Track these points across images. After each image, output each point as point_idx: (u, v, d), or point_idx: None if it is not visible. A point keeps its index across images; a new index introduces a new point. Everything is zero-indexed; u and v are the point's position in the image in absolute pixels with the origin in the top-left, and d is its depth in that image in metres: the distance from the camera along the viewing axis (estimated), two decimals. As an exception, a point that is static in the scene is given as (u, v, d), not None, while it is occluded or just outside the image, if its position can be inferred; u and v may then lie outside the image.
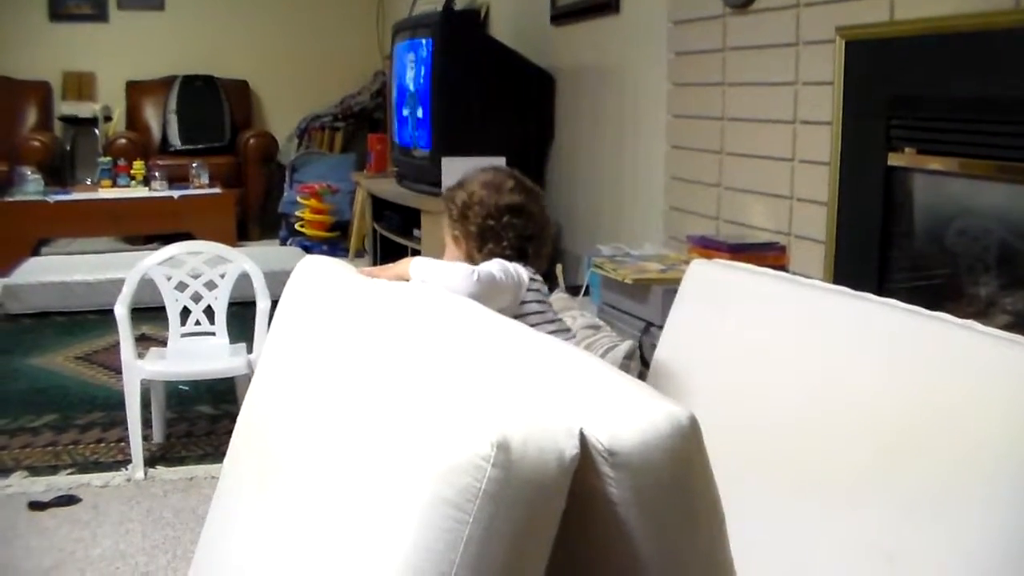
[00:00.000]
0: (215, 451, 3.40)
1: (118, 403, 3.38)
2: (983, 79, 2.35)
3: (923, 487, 1.49)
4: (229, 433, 1.87)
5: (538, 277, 2.07)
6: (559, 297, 3.39)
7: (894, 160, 2.66)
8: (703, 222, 3.64)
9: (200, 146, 7.52)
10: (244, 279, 3.39)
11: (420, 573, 1.01)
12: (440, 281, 1.84)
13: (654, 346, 2.26)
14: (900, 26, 2.61)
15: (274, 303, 2.44)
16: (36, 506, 2.97)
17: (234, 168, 7.42)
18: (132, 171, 6.68)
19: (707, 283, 2.13)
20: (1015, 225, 2.45)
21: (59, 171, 7.27)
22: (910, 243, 2.74)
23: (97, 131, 7.67)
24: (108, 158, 6.82)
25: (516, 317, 1.92)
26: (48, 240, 6.66)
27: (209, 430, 3.64)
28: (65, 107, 7.72)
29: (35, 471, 3.24)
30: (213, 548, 1.71)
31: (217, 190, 6.78)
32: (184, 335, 3.48)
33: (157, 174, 6.67)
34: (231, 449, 1.83)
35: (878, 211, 2.73)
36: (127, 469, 3.25)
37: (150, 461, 3.31)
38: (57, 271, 5.40)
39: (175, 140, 7.63)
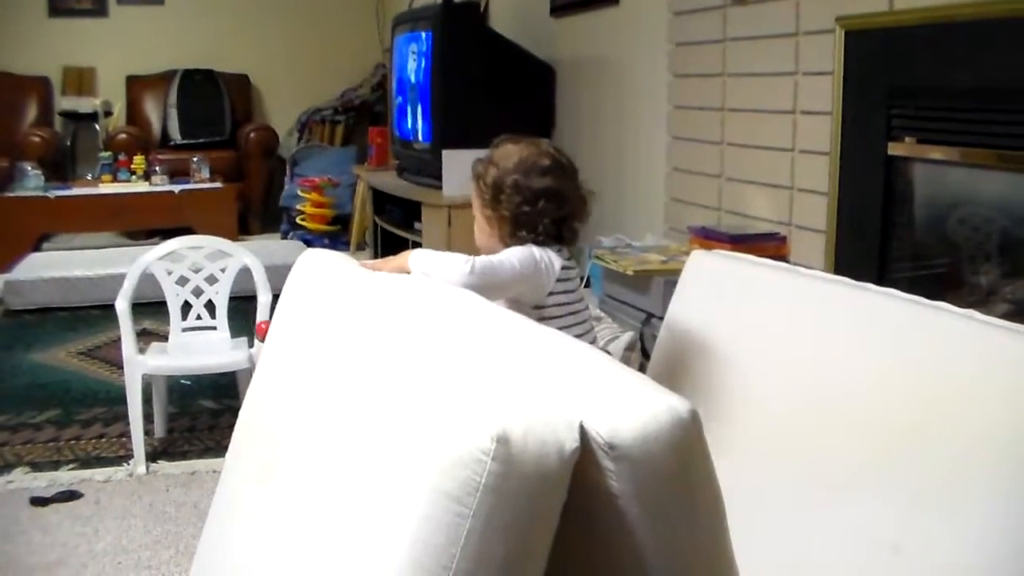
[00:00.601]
0: (217, 445, 3.40)
1: (119, 398, 3.39)
2: (983, 68, 2.35)
3: (926, 476, 1.49)
4: (231, 427, 1.87)
5: (572, 263, 2.00)
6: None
7: (894, 150, 2.66)
8: (704, 213, 3.64)
9: (200, 140, 7.51)
10: (245, 273, 3.39)
11: (421, 567, 1.01)
12: (438, 274, 1.83)
13: (655, 337, 2.26)
14: (900, 16, 2.60)
15: (275, 297, 2.45)
16: (38, 502, 2.97)
17: (235, 162, 7.41)
18: (133, 166, 6.67)
19: (708, 274, 2.13)
20: (1015, 214, 2.44)
21: (60, 166, 7.26)
22: (910, 233, 2.74)
23: (97, 126, 7.66)
24: (108, 153, 6.81)
25: (538, 308, 1.93)
26: (49, 235, 6.66)
27: (211, 424, 3.64)
28: (65, 102, 7.71)
29: (37, 467, 3.25)
30: (215, 542, 1.71)
31: (218, 184, 6.77)
32: (185, 329, 3.48)
33: (158, 169, 6.67)
34: (233, 443, 1.82)
35: (878, 201, 2.72)
36: (129, 464, 3.25)
37: (152, 456, 3.31)
38: (58, 266, 5.40)
39: (175, 134, 7.62)
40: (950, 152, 2.51)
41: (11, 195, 6.37)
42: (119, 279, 3.35)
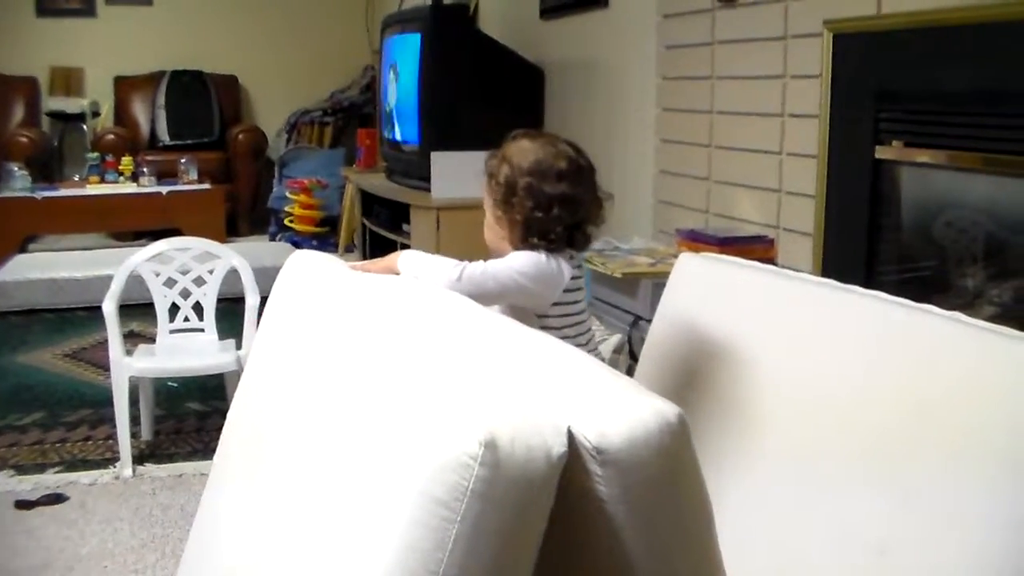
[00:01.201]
0: (204, 448, 3.39)
1: (106, 400, 3.37)
2: (970, 72, 2.35)
3: (912, 478, 1.50)
4: (218, 430, 1.86)
5: (580, 272, 1.92)
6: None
7: (881, 153, 2.66)
8: (692, 215, 3.64)
9: (189, 141, 7.50)
10: (233, 275, 3.38)
11: (408, 571, 1.01)
12: (426, 277, 1.82)
13: (643, 340, 2.26)
14: (887, 19, 2.61)
15: (263, 299, 2.44)
16: (23, 505, 2.96)
17: (223, 163, 7.40)
18: (120, 167, 6.65)
19: (696, 276, 2.13)
20: (1002, 217, 2.45)
21: (47, 167, 7.24)
22: (897, 235, 2.75)
23: (85, 127, 7.65)
24: (96, 154, 6.79)
25: (540, 316, 1.88)
26: (36, 237, 6.64)
27: (198, 427, 3.63)
28: (53, 102, 7.69)
29: (22, 470, 3.23)
30: (203, 545, 1.71)
31: (206, 185, 6.75)
32: (173, 331, 3.47)
33: (146, 170, 6.64)
34: (221, 445, 1.82)
35: (866, 204, 2.73)
36: (115, 467, 3.24)
37: (138, 458, 3.30)
38: (45, 268, 5.38)
39: (164, 135, 7.60)
40: (937, 155, 2.52)
41: (-2, 196, 6.34)
42: (106, 281, 3.34)
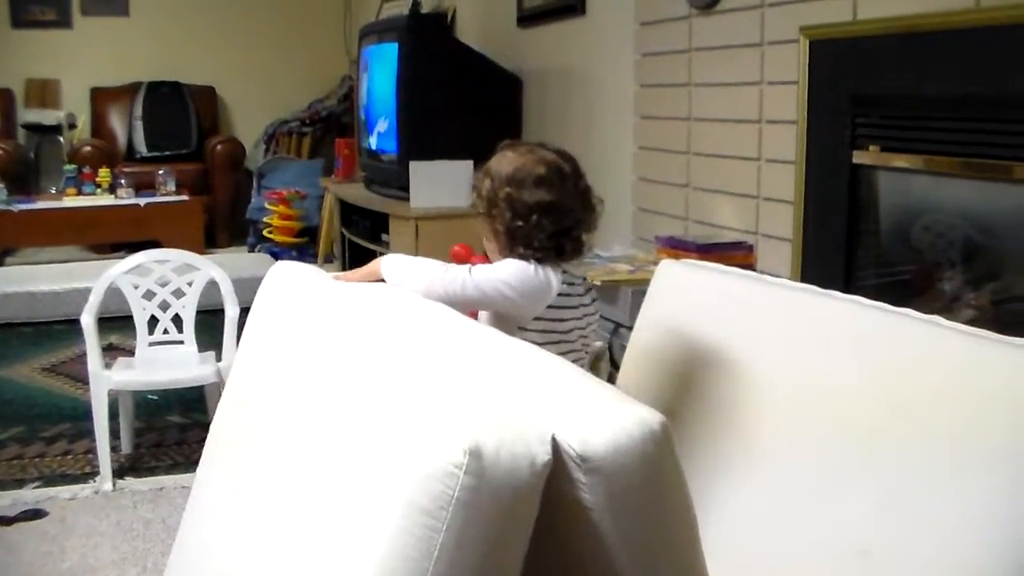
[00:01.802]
0: (185, 460, 3.37)
1: (85, 414, 3.35)
2: (946, 78, 2.37)
3: (892, 481, 1.50)
4: (199, 442, 1.85)
5: (571, 285, 1.88)
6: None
7: (859, 158, 2.68)
8: (671, 222, 3.65)
9: (167, 153, 7.47)
10: (212, 287, 3.36)
11: (394, 581, 1.01)
12: (410, 284, 1.80)
13: (623, 347, 2.26)
14: (863, 26, 2.63)
15: (243, 310, 2.43)
16: (2, 521, 2.93)
17: (201, 175, 7.37)
18: (98, 179, 6.61)
19: (677, 283, 2.14)
20: (979, 221, 2.47)
21: (23, 179, 7.18)
22: (876, 240, 2.76)
23: (62, 139, 7.60)
24: (73, 166, 6.74)
25: (521, 329, 1.83)
26: (13, 250, 6.59)
27: (179, 439, 3.61)
28: (29, 114, 7.64)
29: (1, 485, 3.20)
30: (186, 558, 1.70)
31: (184, 197, 6.72)
32: (152, 344, 3.45)
33: (123, 181, 6.61)
34: (204, 458, 1.81)
35: (844, 209, 2.75)
36: (95, 481, 3.22)
37: (119, 472, 3.28)
38: (22, 281, 5.34)
39: (141, 147, 7.57)
40: (914, 160, 2.54)
41: (-26, 209, 6.30)
42: (84, 293, 3.32)
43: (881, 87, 2.60)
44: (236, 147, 7.61)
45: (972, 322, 1.91)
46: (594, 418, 1.11)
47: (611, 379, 2.61)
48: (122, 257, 3.47)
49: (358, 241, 5.41)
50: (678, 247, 3.21)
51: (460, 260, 1.96)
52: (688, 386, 1.94)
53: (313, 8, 8.16)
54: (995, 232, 2.45)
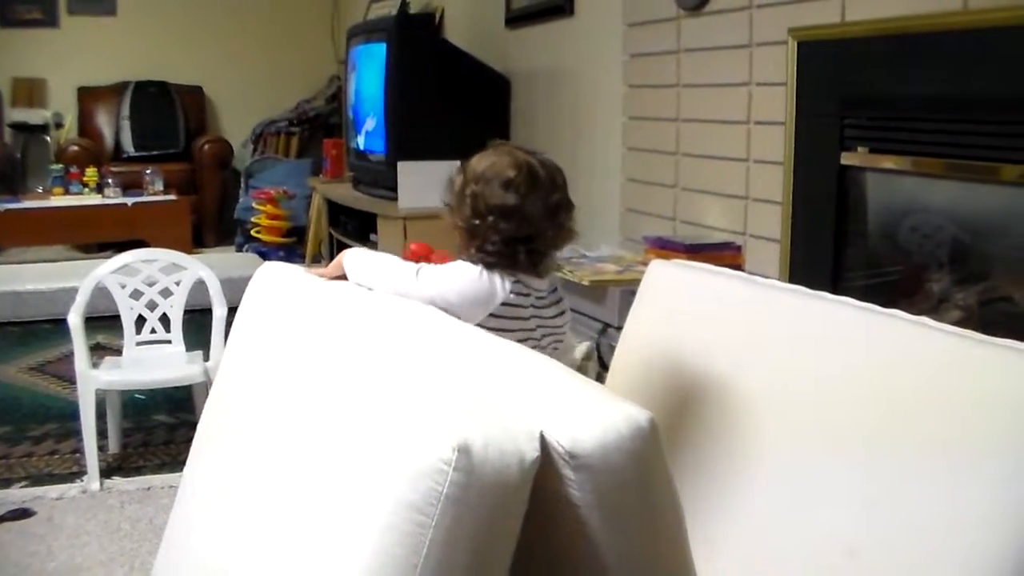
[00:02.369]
0: (173, 460, 3.36)
1: (72, 414, 3.34)
2: (933, 79, 2.38)
3: (881, 482, 1.51)
4: (187, 442, 1.85)
5: (533, 290, 1.80)
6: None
7: (847, 159, 2.69)
8: (659, 223, 3.66)
9: (154, 153, 7.45)
10: (200, 286, 3.36)
11: (383, 578, 1.01)
12: (367, 282, 1.79)
13: (612, 347, 2.26)
14: (852, 27, 2.64)
15: (230, 310, 2.43)
16: (-11, 520, 2.93)
17: (189, 175, 7.36)
18: (85, 178, 6.59)
19: (667, 283, 2.14)
20: (966, 222, 2.48)
21: (10, 179, 7.16)
22: (864, 241, 2.77)
23: (48, 138, 7.58)
24: (60, 165, 6.72)
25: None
26: (-1, 249, 6.58)
27: (166, 439, 3.60)
28: (15, 114, 7.62)
29: (-12, 484, 3.20)
30: (174, 557, 1.69)
31: (172, 197, 6.70)
32: (139, 343, 3.44)
33: (110, 181, 6.58)
34: (192, 457, 1.81)
35: (832, 210, 2.75)
36: (82, 481, 3.21)
37: (106, 472, 3.27)
38: (9, 280, 5.32)
39: (128, 147, 7.55)
40: (901, 161, 2.54)
41: (-40, 209, 6.27)
42: (71, 293, 3.31)
43: (869, 89, 2.61)
44: (224, 147, 7.60)
45: (959, 323, 1.92)
46: (583, 415, 1.11)
47: (600, 379, 2.61)
48: (109, 257, 3.46)
49: (346, 241, 5.41)
50: (666, 247, 3.21)
51: (416, 259, 1.95)
52: (678, 386, 1.94)
53: (301, 8, 8.15)
54: (982, 233, 2.46)
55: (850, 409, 1.60)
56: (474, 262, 1.77)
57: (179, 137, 7.66)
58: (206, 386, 3.25)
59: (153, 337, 3.46)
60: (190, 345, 3.48)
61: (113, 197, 6.52)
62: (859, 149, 2.65)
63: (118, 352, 3.57)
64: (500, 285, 1.75)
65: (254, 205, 6.79)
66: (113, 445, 3.47)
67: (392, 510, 1.01)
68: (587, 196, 4.39)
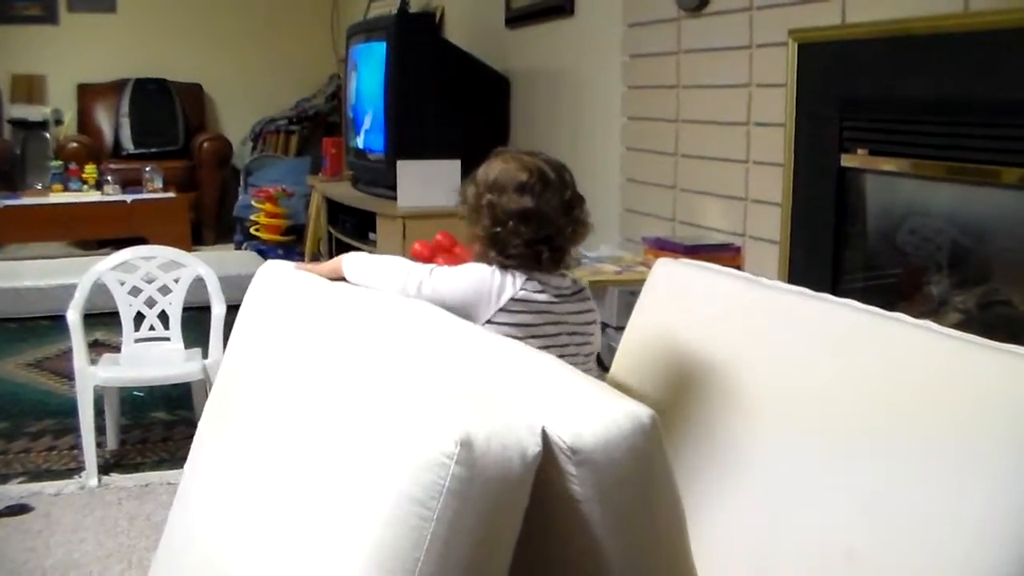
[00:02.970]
0: (171, 457, 3.36)
1: (70, 410, 3.34)
2: (933, 81, 2.39)
3: (881, 484, 1.51)
4: (184, 439, 1.85)
5: (551, 287, 1.81)
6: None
7: (847, 161, 2.69)
8: (659, 224, 3.66)
9: (153, 150, 7.45)
10: (199, 284, 3.36)
11: (386, 571, 1.01)
12: (374, 287, 1.78)
13: (612, 348, 2.26)
14: (852, 29, 2.64)
15: (229, 308, 2.43)
16: (-13, 516, 2.93)
17: (188, 172, 7.36)
18: (84, 175, 6.59)
19: (672, 282, 2.14)
20: (965, 225, 2.48)
21: (9, 176, 7.15)
22: (863, 243, 2.77)
23: (48, 135, 7.57)
24: (59, 162, 6.72)
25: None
26: (-2, 246, 6.57)
27: (164, 436, 3.60)
28: (15, 110, 7.61)
29: (-15, 480, 3.20)
30: (174, 553, 1.70)
31: (171, 194, 6.70)
32: (138, 340, 3.44)
33: (110, 178, 6.58)
34: (192, 453, 1.81)
35: (831, 211, 2.76)
36: (80, 477, 3.21)
37: (104, 468, 3.27)
38: (8, 277, 5.32)
39: (128, 144, 7.55)
40: (901, 164, 2.55)
41: (-41, 204, 6.27)
42: (70, 289, 3.31)
43: (869, 91, 2.61)
44: (223, 144, 7.60)
45: (958, 325, 1.92)
46: (584, 411, 1.12)
47: (599, 380, 2.61)
48: (108, 253, 3.45)
49: (345, 240, 5.41)
50: (665, 248, 3.21)
51: (421, 259, 1.95)
52: (680, 384, 1.95)
53: (301, 6, 8.15)
54: (982, 236, 2.46)
55: (851, 410, 1.60)
56: (489, 263, 1.80)
57: (178, 134, 7.66)
58: (204, 383, 3.26)
59: (152, 334, 3.45)
60: (188, 342, 3.48)
61: (112, 194, 6.53)
62: (859, 151, 2.65)
63: (117, 349, 3.57)
64: (511, 281, 1.78)
65: (253, 203, 6.79)
66: (111, 442, 3.47)
67: (394, 504, 1.02)
68: (586, 196, 4.39)
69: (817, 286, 1.93)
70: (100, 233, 6.63)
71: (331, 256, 5.88)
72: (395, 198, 4.71)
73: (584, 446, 1.08)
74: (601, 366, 2.95)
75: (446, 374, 1.26)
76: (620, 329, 2.22)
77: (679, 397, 1.92)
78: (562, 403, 1.14)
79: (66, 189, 6.53)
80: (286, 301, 1.75)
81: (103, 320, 3.97)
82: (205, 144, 7.48)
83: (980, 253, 2.47)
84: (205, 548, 1.49)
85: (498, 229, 1.78)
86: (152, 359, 3.41)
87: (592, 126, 4.37)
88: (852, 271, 2.77)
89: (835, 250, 2.77)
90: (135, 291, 3.39)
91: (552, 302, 1.82)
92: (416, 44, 5.00)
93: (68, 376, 3.60)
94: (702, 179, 3.41)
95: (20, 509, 2.97)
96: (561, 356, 1.76)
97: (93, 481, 3.17)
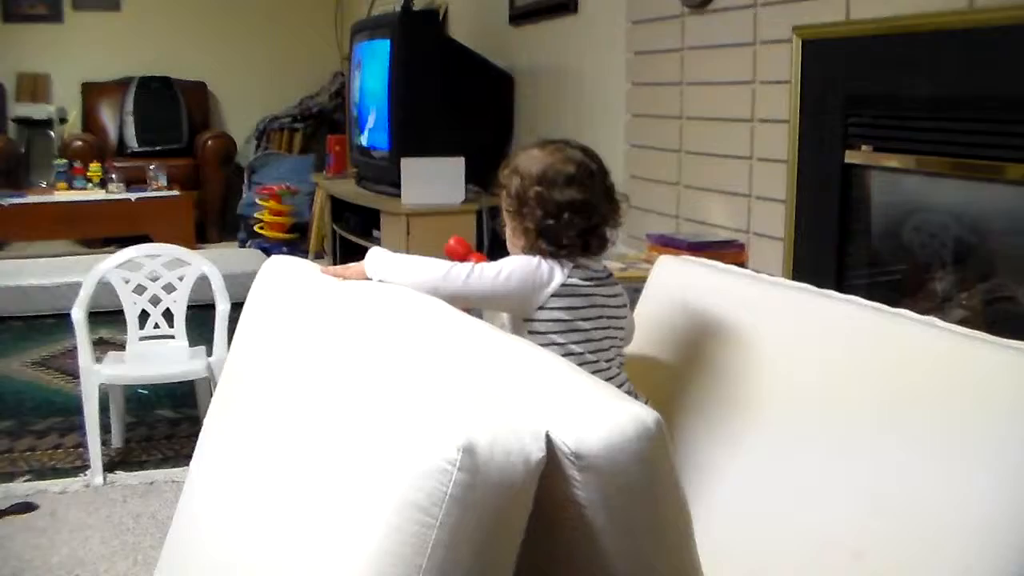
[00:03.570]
0: (175, 455, 3.36)
1: (75, 408, 3.34)
2: (938, 78, 2.38)
3: (884, 481, 1.51)
4: (189, 436, 1.85)
5: (592, 271, 1.85)
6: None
7: (851, 158, 2.69)
8: (662, 220, 3.65)
9: (157, 148, 7.45)
10: (203, 282, 3.36)
11: (387, 577, 1.01)
12: (404, 281, 1.78)
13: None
14: (856, 26, 2.63)
15: (234, 305, 2.43)
16: (-8, 514, 2.93)
17: (192, 170, 7.36)
18: (88, 173, 6.58)
19: (674, 279, 2.14)
20: (969, 221, 2.48)
21: (13, 174, 7.15)
22: (867, 240, 2.77)
23: (52, 133, 7.57)
24: (64, 160, 6.72)
25: (527, 320, 1.82)
26: (3, 244, 6.57)
27: (169, 434, 3.60)
28: (19, 108, 7.61)
29: (-9, 478, 3.20)
30: (179, 552, 1.70)
31: (175, 192, 6.70)
32: (143, 338, 3.44)
33: (114, 176, 6.57)
34: (197, 452, 1.81)
35: (835, 208, 2.75)
36: (85, 475, 3.21)
37: (109, 466, 3.27)
38: (12, 275, 5.33)
39: (132, 142, 7.55)
40: (905, 160, 2.54)
41: (-36, 203, 6.27)
42: (75, 288, 3.31)
43: (873, 87, 2.60)
44: (227, 142, 7.59)
45: (963, 322, 1.92)
46: (589, 415, 1.11)
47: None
48: (113, 251, 3.45)
49: (349, 237, 5.41)
50: (669, 245, 3.21)
51: (457, 256, 1.95)
52: (684, 383, 1.94)
53: (305, 4, 8.14)
54: (986, 232, 2.46)
55: (856, 407, 1.60)
56: (535, 255, 1.82)
57: (183, 132, 7.65)
58: (209, 381, 3.26)
59: (156, 332, 3.45)
60: (193, 340, 3.48)
61: (116, 192, 6.52)
62: (863, 147, 2.65)
63: (121, 347, 3.57)
64: (559, 269, 1.81)
65: (257, 201, 6.80)
66: (116, 440, 3.47)
67: (397, 510, 1.01)
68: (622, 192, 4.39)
69: (821, 283, 1.93)
70: (104, 231, 6.63)
71: (335, 254, 5.89)
72: (399, 195, 4.71)
73: (588, 451, 1.08)
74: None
75: (449, 377, 1.25)
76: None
77: (682, 394, 1.92)
78: (566, 407, 1.14)
79: (70, 187, 6.52)
80: (290, 298, 1.75)
81: (108, 318, 3.97)
82: (209, 142, 7.48)
83: (984, 249, 2.47)
84: (210, 548, 1.50)
85: (551, 221, 1.81)
86: (157, 357, 3.41)
87: (596, 123, 4.36)
88: (856, 268, 2.76)
89: (839, 247, 2.76)
90: (139, 289, 3.39)
91: (593, 286, 1.86)
92: (420, 42, 5.00)
93: (73, 374, 3.60)
94: (706, 176, 3.40)
95: (25, 507, 2.98)
96: (604, 337, 1.86)
97: (98, 479, 3.17)
